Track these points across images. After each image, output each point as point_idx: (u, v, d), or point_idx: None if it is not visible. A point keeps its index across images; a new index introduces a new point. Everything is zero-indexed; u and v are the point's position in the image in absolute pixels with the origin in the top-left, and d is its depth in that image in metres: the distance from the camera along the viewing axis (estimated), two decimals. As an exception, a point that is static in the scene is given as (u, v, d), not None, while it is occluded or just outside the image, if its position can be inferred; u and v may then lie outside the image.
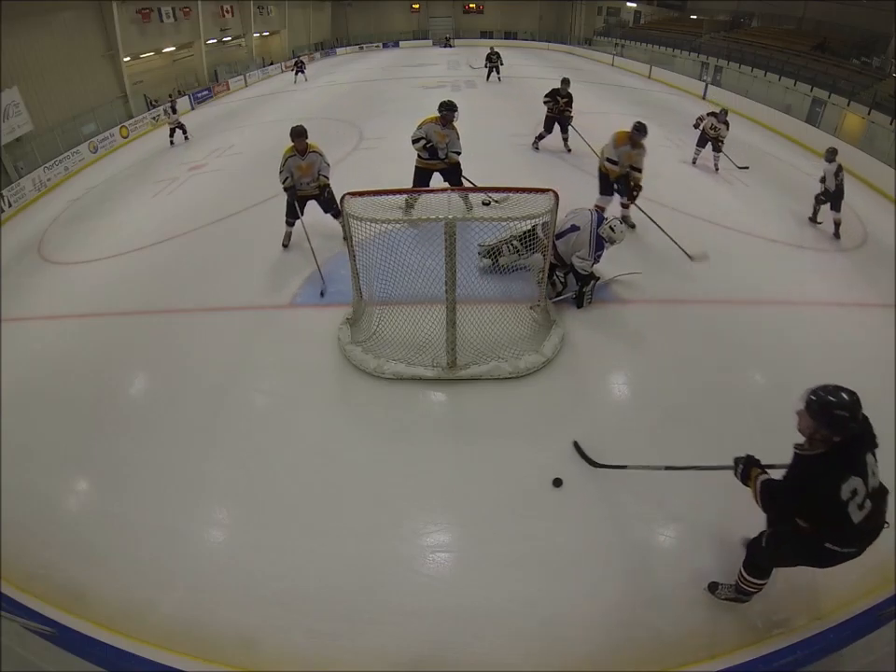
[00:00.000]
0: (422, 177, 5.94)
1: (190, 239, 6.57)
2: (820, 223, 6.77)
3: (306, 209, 5.63)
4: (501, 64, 16.60)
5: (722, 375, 4.01)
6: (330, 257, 5.49)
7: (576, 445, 3.35)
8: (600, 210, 5.28)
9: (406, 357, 4.02)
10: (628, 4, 28.39)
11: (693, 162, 8.71)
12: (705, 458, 3.34)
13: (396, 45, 31.67)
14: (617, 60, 22.70)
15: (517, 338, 4.14)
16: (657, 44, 22.28)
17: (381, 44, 31.89)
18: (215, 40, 20.85)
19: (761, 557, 2.36)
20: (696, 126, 8.57)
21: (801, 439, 2.17)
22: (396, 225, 3.78)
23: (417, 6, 33.82)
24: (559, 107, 8.51)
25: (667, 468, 2.88)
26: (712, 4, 23.58)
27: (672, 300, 4.88)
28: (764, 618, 2.52)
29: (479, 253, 4.86)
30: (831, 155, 6.79)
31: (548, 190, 3.83)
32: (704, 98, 15.35)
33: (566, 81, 8.54)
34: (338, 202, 4.19)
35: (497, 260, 4.82)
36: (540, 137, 8.91)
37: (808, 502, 2.07)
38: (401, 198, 5.09)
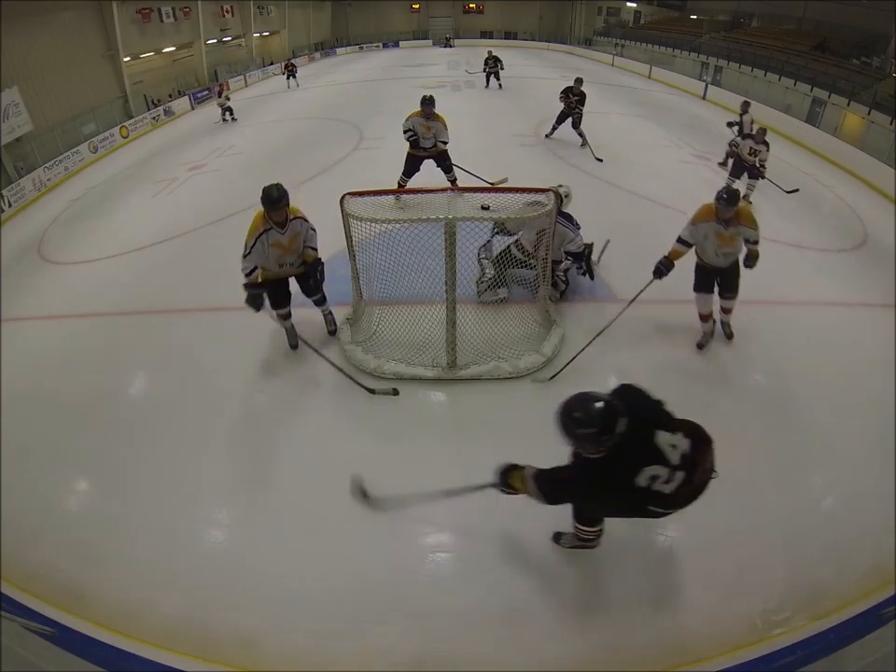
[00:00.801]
0: (412, 164, 6.47)
1: (190, 239, 6.57)
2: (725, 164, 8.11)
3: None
4: (501, 69, 14.99)
5: (721, 375, 4.02)
6: (330, 256, 5.48)
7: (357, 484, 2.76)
8: None
9: (406, 356, 4.02)
10: (628, 4, 28.39)
11: None
12: (705, 458, 3.35)
13: (396, 45, 31.68)
14: (617, 60, 22.71)
15: (517, 338, 4.14)
16: (657, 44, 22.29)
17: (381, 44, 31.90)
18: (215, 40, 20.86)
19: (584, 511, 2.35)
20: (732, 154, 7.35)
21: None
22: (396, 225, 3.78)
23: (417, 6, 33.82)
24: (570, 103, 9.04)
25: (446, 493, 2.63)
26: (712, 4, 23.59)
27: (672, 300, 4.87)
28: (764, 618, 2.52)
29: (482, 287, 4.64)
30: (745, 107, 8.55)
31: (548, 190, 3.83)
32: (704, 98, 15.36)
33: (579, 80, 9.16)
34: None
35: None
36: (553, 129, 9.54)
37: (607, 498, 2.08)
38: (401, 198, 5.10)
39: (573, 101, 8.99)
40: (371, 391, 3.77)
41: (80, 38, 13.54)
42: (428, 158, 6.44)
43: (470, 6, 33.72)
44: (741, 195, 3.96)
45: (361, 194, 4.03)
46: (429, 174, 7.22)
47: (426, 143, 6.25)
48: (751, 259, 3.90)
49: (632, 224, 6.30)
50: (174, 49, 18.22)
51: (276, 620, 2.59)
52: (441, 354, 3.93)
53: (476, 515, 3.04)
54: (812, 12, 18.39)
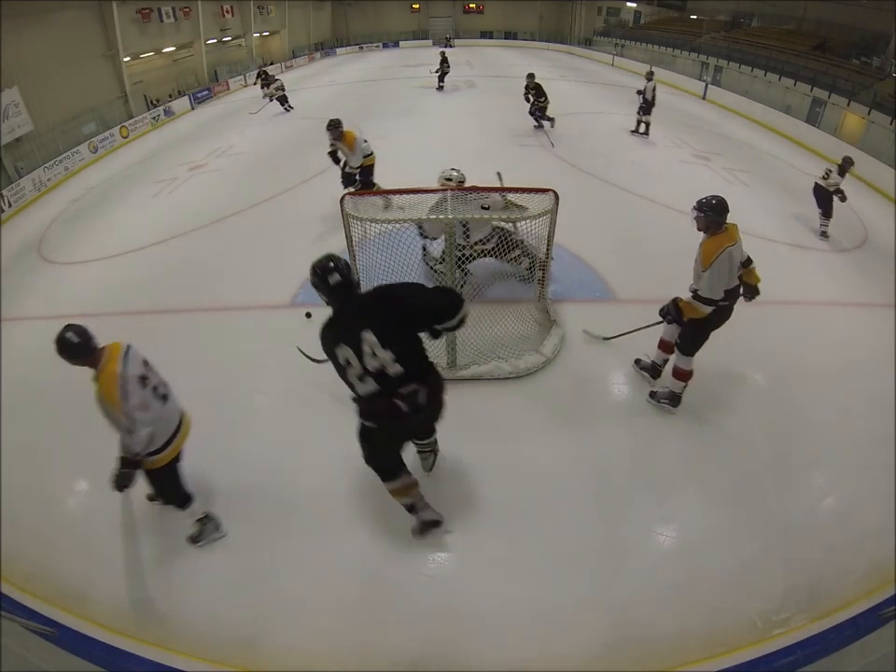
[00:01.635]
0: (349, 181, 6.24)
1: (190, 239, 6.57)
2: (643, 133, 10.09)
3: None
4: (447, 70, 15.22)
5: (721, 375, 4.01)
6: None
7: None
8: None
9: (406, 356, 4.01)
10: (628, 4, 28.37)
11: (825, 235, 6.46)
12: (704, 457, 3.36)
13: (396, 45, 31.67)
14: (617, 60, 22.72)
15: (517, 338, 4.14)
16: (657, 44, 22.27)
17: (381, 44, 31.89)
18: (215, 40, 20.84)
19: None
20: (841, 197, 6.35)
21: None
22: (396, 225, 3.78)
23: (417, 6, 33.80)
24: (526, 96, 10.08)
25: None
26: (712, 4, 23.56)
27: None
28: (764, 618, 2.52)
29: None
30: (650, 75, 10.10)
31: (548, 190, 3.83)
32: (704, 98, 15.37)
33: (530, 76, 10.05)
34: None
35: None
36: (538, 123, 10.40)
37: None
38: (402, 198, 5.09)
39: (530, 94, 9.97)
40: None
41: (80, 38, 13.53)
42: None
43: (470, 6, 33.69)
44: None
45: (361, 194, 4.03)
46: (429, 173, 7.21)
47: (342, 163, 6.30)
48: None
49: (631, 224, 6.31)
50: (174, 48, 18.20)
51: (276, 620, 2.59)
52: (441, 354, 3.93)
53: (476, 515, 3.04)
54: (812, 12, 18.36)
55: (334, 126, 6.27)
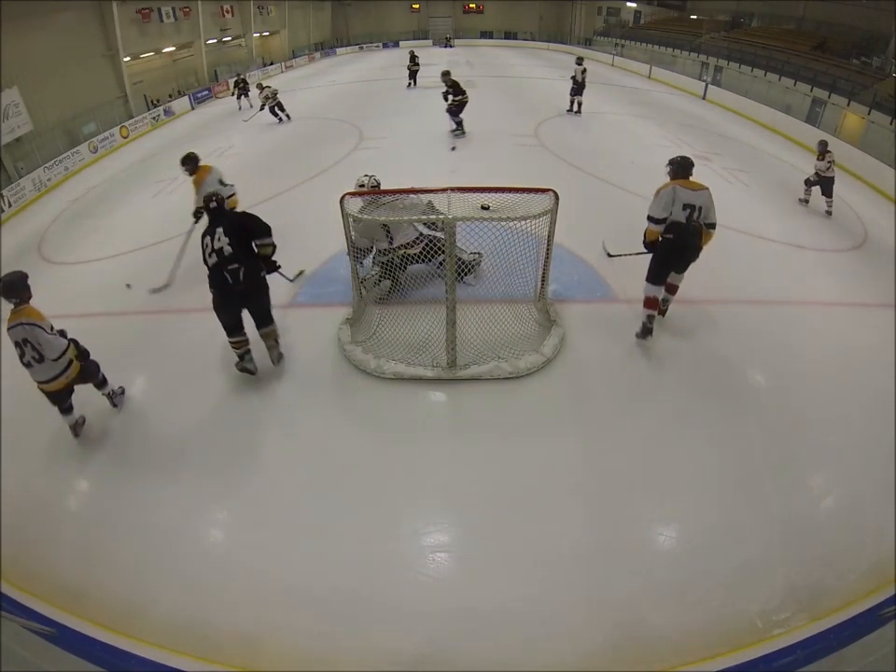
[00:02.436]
0: None
1: (190, 239, 6.56)
2: (576, 112, 11.18)
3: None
4: (416, 68, 15.92)
5: (722, 375, 4.01)
6: (331, 256, 5.49)
7: None
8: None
9: (406, 356, 4.02)
10: (628, 4, 28.37)
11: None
12: (705, 457, 3.37)
13: (396, 45, 31.67)
14: (617, 60, 22.70)
15: (517, 338, 4.14)
16: (657, 44, 22.29)
17: (381, 44, 31.90)
18: (215, 40, 20.85)
19: None
20: (815, 180, 7.26)
21: None
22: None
23: (417, 6, 33.81)
24: (444, 95, 9.73)
25: None
26: (712, 4, 23.57)
27: (672, 300, 4.88)
28: (764, 618, 2.52)
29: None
30: (580, 60, 11.61)
31: (548, 190, 3.83)
32: (704, 98, 15.37)
33: (444, 73, 9.73)
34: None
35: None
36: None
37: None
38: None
39: (448, 92, 9.64)
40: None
41: (80, 38, 13.54)
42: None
43: (470, 6, 33.70)
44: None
45: (361, 194, 4.04)
46: (429, 173, 7.22)
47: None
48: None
49: (631, 224, 6.28)
50: (174, 48, 18.21)
51: (276, 620, 2.59)
52: (441, 354, 3.94)
53: (476, 515, 3.04)
54: (812, 12, 18.37)
55: (188, 160, 5.61)
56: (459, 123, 9.89)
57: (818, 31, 17.86)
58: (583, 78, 11.28)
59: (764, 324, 4.60)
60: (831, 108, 12.03)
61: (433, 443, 3.53)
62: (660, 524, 2.99)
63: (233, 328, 3.83)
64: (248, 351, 3.95)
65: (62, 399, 3.58)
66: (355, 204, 3.93)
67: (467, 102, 9.77)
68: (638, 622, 2.54)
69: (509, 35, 32.69)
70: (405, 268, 4.49)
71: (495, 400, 3.78)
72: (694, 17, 24.11)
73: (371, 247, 4.50)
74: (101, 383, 3.84)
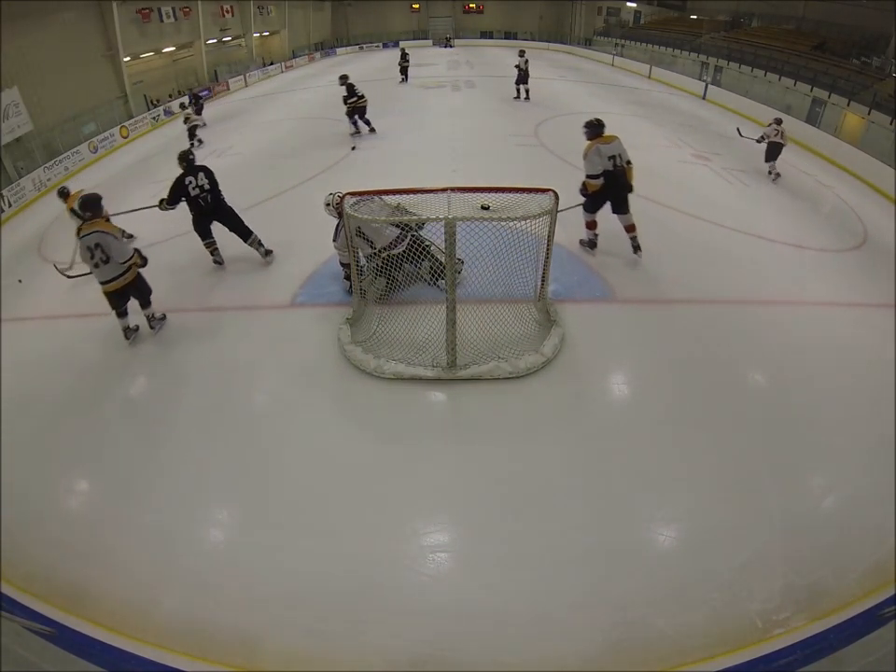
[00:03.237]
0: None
1: (190, 239, 6.55)
2: (525, 98, 12.37)
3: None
4: (406, 64, 16.64)
5: (722, 375, 4.01)
6: (330, 256, 5.49)
7: None
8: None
9: (406, 356, 4.02)
10: (628, 4, 28.38)
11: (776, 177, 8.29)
12: (705, 457, 3.37)
13: (396, 45, 31.64)
14: (617, 60, 22.72)
15: (517, 338, 4.14)
16: (657, 44, 22.29)
17: (381, 44, 31.90)
18: (215, 40, 20.86)
19: None
20: (761, 139, 8.35)
21: None
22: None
23: (417, 6, 33.81)
24: (345, 98, 10.20)
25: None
26: (712, 4, 23.58)
27: (672, 300, 4.88)
28: (764, 618, 2.52)
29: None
30: (522, 52, 12.89)
31: (548, 190, 3.83)
32: (704, 98, 15.37)
33: (342, 77, 10.21)
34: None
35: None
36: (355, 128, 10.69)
37: None
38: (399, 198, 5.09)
39: (346, 96, 10.16)
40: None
41: (80, 38, 13.55)
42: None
43: (470, 6, 33.70)
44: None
45: (361, 194, 4.04)
46: (429, 173, 7.22)
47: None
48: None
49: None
50: (174, 48, 18.22)
51: (276, 620, 2.59)
52: (441, 354, 3.93)
53: (476, 515, 3.04)
54: (812, 12, 18.38)
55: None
56: (355, 124, 10.46)
57: (818, 31, 17.87)
58: (526, 68, 12.77)
59: (764, 324, 4.59)
60: (831, 108, 12.03)
61: (433, 443, 3.53)
62: (660, 524, 2.99)
63: (206, 234, 5.54)
64: (216, 250, 5.64)
65: (119, 302, 4.42)
66: (347, 203, 3.93)
67: (365, 105, 10.28)
68: (638, 622, 2.54)
69: (509, 35, 32.67)
70: (398, 266, 4.50)
71: (495, 400, 3.78)
72: (694, 17, 24.12)
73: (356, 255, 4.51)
74: (146, 303, 4.63)
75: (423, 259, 4.57)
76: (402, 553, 2.86)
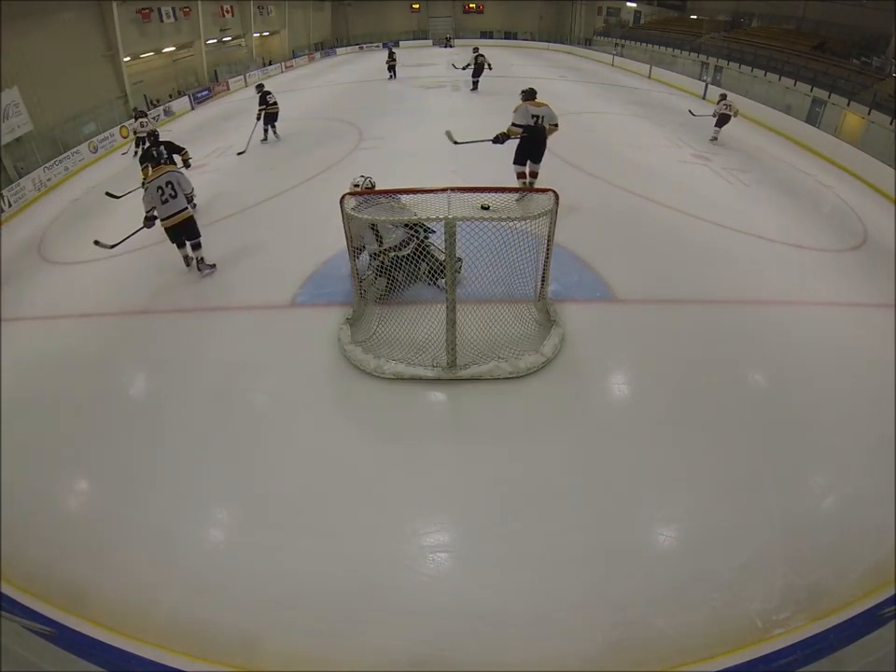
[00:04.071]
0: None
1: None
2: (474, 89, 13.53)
3: None
4: (395, 62, 17.77)
5: (722, 375, 4.01)
6: (330, 256, 5.49)
7: None
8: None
9: (406, 356, 4.02)
10: (628, 4, 28.35)
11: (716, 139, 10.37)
12: (705, 457, 3.37)
13: (396, 45, 31.66)
14: (617, 60, 22.70)
15: (517, 338, 4.14)
16: (657, 44, 22.27)
17: (381, 44, 31.87)
18: (215, 40, 20.83)
19: None
20: (714, 115, 10.25)
21: None
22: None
23: (417, 6, 33.78)
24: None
25: None
26: (712, 4, 23.56)
27: (672, 300, 4.88)
28: (764, 618, 2.52)
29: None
30: (476, 49, 14.64)
31: (548, 190, 3.83)
32: (704, 98, 15.36)
33: (258, 86, 10.48)
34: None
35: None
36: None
37: None
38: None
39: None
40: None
41: (80, 38, 13.52)
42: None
43: (470, 6, 33.66)
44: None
45: (360, 194, 4.04)
46: (429, 172, 7.22)
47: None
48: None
49: (631, 223, 6.30)
50: (174, 48, 18.19)
51: (276, 620, 2.59)
52: (441, 354, 3.93)
53: (476, 515, 3.04)
54: (812, 12, 18.36)
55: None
56: (265, 131, 10.68)
57: (818, 31, 17.85)
58: (481, 63, 14.31)
59: (764, 324, 4.59)
60: (831, 108, 12.02)
61: (433, 443, 3.53)
62: (660, 524, 2.99)
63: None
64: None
65: (177, 235, 5.36)
66: (350, 203, 3.93)
67: (277, 112, 10.49)
68: (638, 622, 2.54)
69: (509, 35, 32.65)
70: (399, 267, 4.50)
71: (494, 400, 3.78)
72: (694, 17, 24.09)
73: (363, 247, 4.51)
74: (197, 245, 5.47)
75: (422, 260, 4.57)
76: (402, 553, 2.86)
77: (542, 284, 4.38)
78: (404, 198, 3.98)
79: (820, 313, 4.86)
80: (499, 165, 8.04)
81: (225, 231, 6.67)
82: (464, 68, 14.64)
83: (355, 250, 4.36)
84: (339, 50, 30.70)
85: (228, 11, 21.47)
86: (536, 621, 2.56)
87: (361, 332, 4.32)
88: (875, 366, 4.08)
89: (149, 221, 5.18)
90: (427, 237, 4.59)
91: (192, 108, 16.84)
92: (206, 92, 18.20)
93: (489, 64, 14.40)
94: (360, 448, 3.48)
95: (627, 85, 17.36)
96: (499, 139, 6.09)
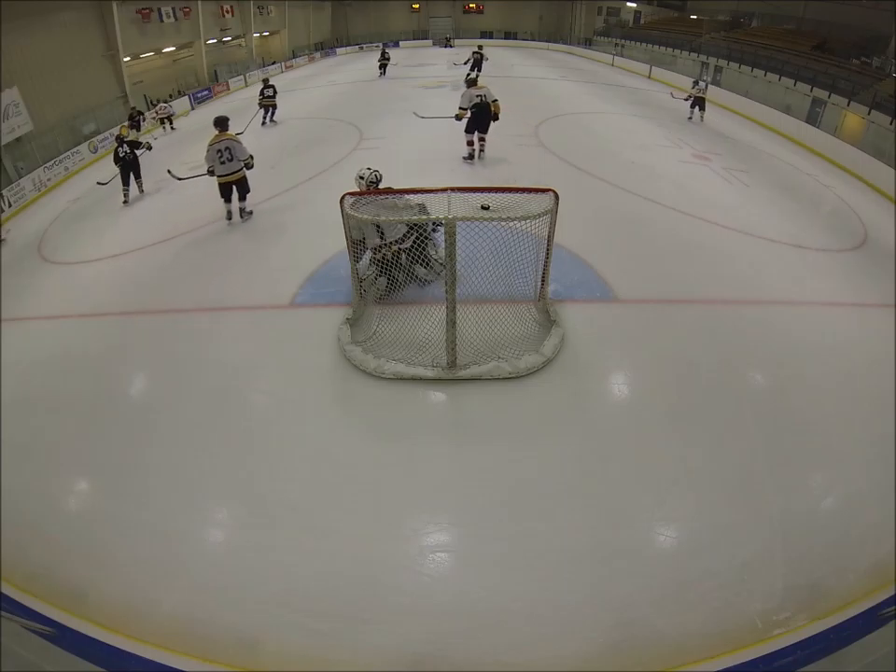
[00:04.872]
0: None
1: (191, 239, 6.57)
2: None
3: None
4: (387, 61, 19.03)
5: (722, 375, 4.01)
6: (330, 256, 5.49)
7: None
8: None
9: (406, 357, 4.02)
10: (628, 4, 28.37)
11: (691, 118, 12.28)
12: (704, 457, 3.37)
13: (396, 45, 31.63)
14: (617, 60, 22.72)
15: (517, 338, 4.14)
16: (657, 44, 22.29)
17: (381, 44, 31.87)
18: (215, 40, 20.84)
19: None
20: (688, 98, 12.27)
21: None
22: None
23: (417, 6, 33.79)
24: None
25: None
26: (712, 4, 23.56)
27: (672, 300, 4.88)
28: (764, 618, 2.52)
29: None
30: (479, 47, 16.15)
31: (548, 190, 3.83)
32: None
33: (265, 80, 12.63)
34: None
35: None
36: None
37: None
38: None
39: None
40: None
41: (80, 38, 13.53)
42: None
43: (470, 6, 33.67)
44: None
45: (360, 194, 4.04)
46: (429, 172, 7.22)
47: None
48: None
49: (631, 224, 6.31)
50: (174, 48, 18.21)
51: (276, 620, 2.59)
52: (441, 354, 3.93)
53: (476, 515, 3.04)
54: (812, 12, 18.37)
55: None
56: (264, 117, 12.31)
57: (818, 31, 17.85)
58: (478, 58, 15.61)
59: (764, 324, 4.59)
60: (831, 108, 12.03)
61: (433, 443, 3.53)
62: (660, 524, 2.99)
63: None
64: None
65: (227, 192, 6.52)
66: (350, 200, 3.93)
67: (273, 104, 12.18)
68: (638, 622, 2.54)
69: (509, 35, 32.66)
70: (399, 264, 4.50)
71: (495, 400, 3.78)
72: (694, 17, 24.09)
73: (363, 239, 4.50)
74: (243, 197, 6.68)
75: (415, 262, 4.60)
76: (402, 553, 2.86)
77: (542, 284, 4.38)
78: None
79: (820, 313, 4.87)
80: (499, 165, 8.06)
81: (225, 231, 6.67)
82: (465, 63, 15.99)
83: (355, 244, 4.36)
84: (339, 50, 30.69)
85: (228, 11, 21.48)
86: (536, 621, 2.55)
87: (361, 332, 4.32)
88: (875, 366, 4.08)
89: (209, 174, 6.43)
90: (435, 229, 4.59)
91: (192, 108, 16.84)
92: (206, 92, 18.19)
93: (486, 57, 15.88)
94: (360, 448, 3.48)
95: (627, 85, 17.36)
96: (457, 117, 7.69)
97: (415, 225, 4.38)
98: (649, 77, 19.29)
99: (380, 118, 11.81)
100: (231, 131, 6.55)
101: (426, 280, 4.76)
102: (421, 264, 4.70)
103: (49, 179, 10.54)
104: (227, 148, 6.24)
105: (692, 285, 5.09)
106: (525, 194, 3.83)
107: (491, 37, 32.38)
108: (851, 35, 16.23)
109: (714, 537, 2.88)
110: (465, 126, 7.81)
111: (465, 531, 3.00)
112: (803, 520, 2.99)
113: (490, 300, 4.18)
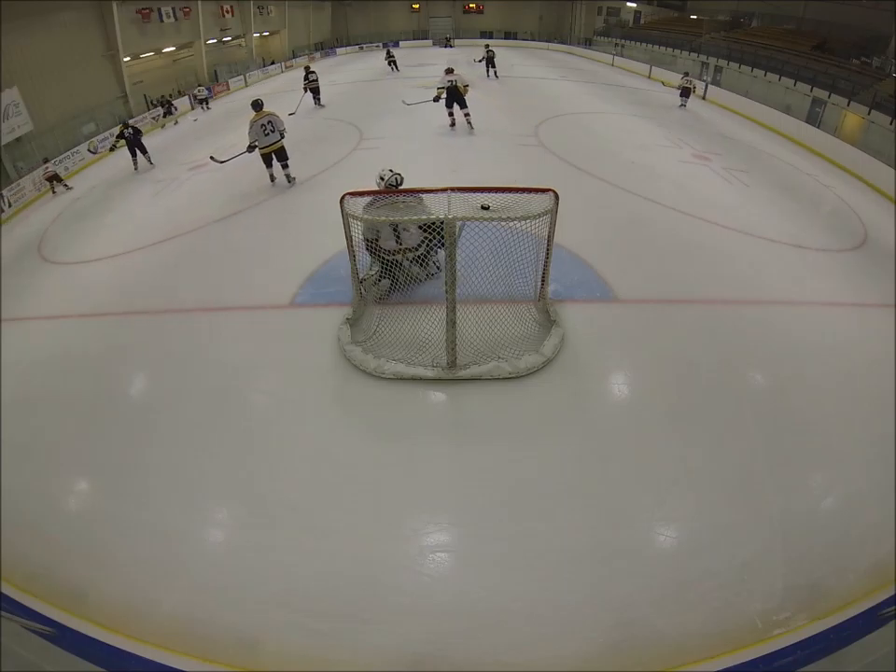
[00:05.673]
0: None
1: (191, 239, 6.57)
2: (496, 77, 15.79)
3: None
4: (394, 57, 19.89)
5: (722, 375, 4.01)
6: (330, 256, 5.49)
7: None
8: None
9: (406, 356, 4.02)
10: (628, 4, 28.36)
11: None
12: (704, 457, 3.37)
13: (396, 45, 31.61)
14: (617, 60, 22.72)
15: (517, 338, 4.13)
16: (657, 44, 22.29)
17: (381, 44, 31.87)
18: (215, 40, 20.85)
19: None
20: (679, 88, 13.73)
21: None
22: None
23: (417, 6, 33.79)
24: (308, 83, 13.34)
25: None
26: (712, 4, 23.55)
27: (672, 300, 4.88)
28: (764, 618, 2.52)
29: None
30: (487, 46, 17.61)
31: (548, 190, 3.83)
32: (704, 98, 15.37)
33: (306, 67, 14.19)
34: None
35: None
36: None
37: None
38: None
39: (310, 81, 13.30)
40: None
41: (80, 38, 13.55)
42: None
43: (470, 6, 33.67)
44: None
45: (361, 194, 4.04)
46: (429, 172, 7.22)
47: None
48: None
49: (632, 224, 6.30)
50: (174, 48, 18.22)
51: (276, 620, 2.59)
52: (441, 354, 3.93)
53: (476, 515, 3.04)
54: (812, 12, 18.37)
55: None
56: (313, 99, 13.43)
57: (818, 31, 17.85)
58: (491, 56, 16.93)
59: (764, 324, 4.59)
60: (831, 108, 12.03)
61: (433, 443, 3.53)
62: (660, 524, 2.99)
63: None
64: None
65: (269, 160, 7.49)
66: (356, 203, 3.93)
67: (317, 87, 13.31)
68: (638, 622, 2.54)
69: (509, 35, 32.64)
70: (402, 267, 4.50)
71: (495, 400, 3.78)
72: (694, 17, 24.08)
73: (377, 239, 4.48)
74: (285, 165, 7.62)
75: (413, 263, 4.60)
76: (402, 553, 2.86)
77: (542, 284, 4.38)
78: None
79: (820, 313, 4.86)
80: (499, 165, 8.05)
81: (225, 231, 6.67)
82: (479, 61, 17.15)
83: (369, 241, 4.35)
84: (339, 50, 30.70)
85: (228, 11, 21.49)
86: (536, 621, 2.56)
87: (361, 332, 4.32)
88: (875, 366, 4.08)
89: (251, 149, 7.26)
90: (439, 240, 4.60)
91: (192, 108, 16.84)
92: (206, 92, 18.19)
93: (495, 55, 17.07)
94: (360, 448, 3.48)
95: (627, 85, 17.36)
96: (436, 98, 9.56)
97: (430, 233, 4.38)
98: (649, 77, 19.29)
99: (380, 118, 11.80)
100: (282, 111, 7.57)
101: (419, 279, 4.77)
102: (418, 264, 4.70)
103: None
104: (269, 122, 7.19)
105: (692, 285, 5.09)
106: (524, 194, 3.82)
107: (491, 37, 32.31)
108: (851, 35, 16.23)
109: (714, 537, 2.88)
110: (444, 103, 9.89)
111: (465, 531, 3.00)
112: (803, 520, 2.99)
113: (490, 300, 4.18)
